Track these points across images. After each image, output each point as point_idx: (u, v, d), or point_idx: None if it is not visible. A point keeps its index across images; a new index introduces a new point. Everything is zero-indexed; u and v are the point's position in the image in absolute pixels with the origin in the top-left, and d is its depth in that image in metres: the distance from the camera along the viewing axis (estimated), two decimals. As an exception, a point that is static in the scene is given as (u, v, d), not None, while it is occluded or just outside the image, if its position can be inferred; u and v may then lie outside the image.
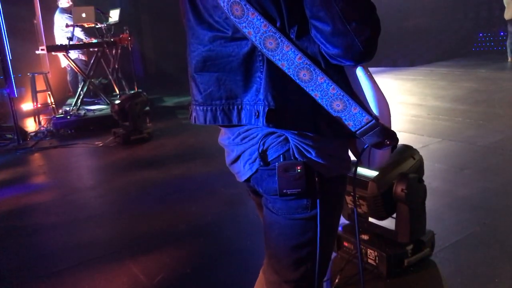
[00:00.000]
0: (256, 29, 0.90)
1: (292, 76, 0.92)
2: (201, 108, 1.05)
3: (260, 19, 0.90)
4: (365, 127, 0.93)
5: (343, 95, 0.91)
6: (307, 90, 0.92)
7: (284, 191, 0.98)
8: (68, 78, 7.12)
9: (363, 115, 0.92)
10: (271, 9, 0.90)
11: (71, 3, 6.64)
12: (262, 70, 0.95)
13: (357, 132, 0.94)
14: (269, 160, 1.00)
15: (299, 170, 0.97)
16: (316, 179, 0.99)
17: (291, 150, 0.98)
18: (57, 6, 6.66)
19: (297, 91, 0.94)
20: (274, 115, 0.94)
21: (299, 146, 0.98)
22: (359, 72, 0.95)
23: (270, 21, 0.90)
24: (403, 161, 2.09)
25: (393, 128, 0.99)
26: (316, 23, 0.89)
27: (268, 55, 0.92)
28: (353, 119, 0.93)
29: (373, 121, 0.93)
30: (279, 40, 0.90)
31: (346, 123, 0.94)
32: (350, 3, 0.86)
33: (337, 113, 0.93)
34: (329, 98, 0.92)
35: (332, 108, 0.93)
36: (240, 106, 0.99)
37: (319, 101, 0.93)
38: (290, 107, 0.96)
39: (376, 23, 0.90)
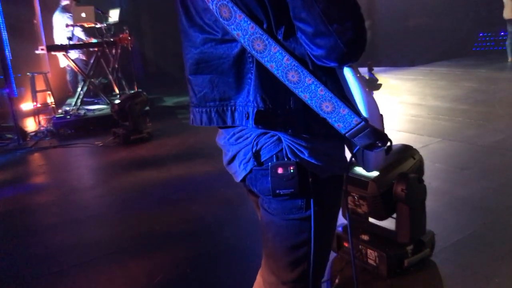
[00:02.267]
0: (244, 31, 0.90)
1: (280, 77, 0.92)
2: (197, 109, 1.06)
3: (247, 21, 0.90)
4: (354, 128, 0.93)
5: (332, 96, 0.91)
6: (296, 91, 0.92)
7: (277, 191, 0.98)
8: (68, 78, 7.10)
9: (352, 116, 0.92)
10: (257, 11, 0.90)
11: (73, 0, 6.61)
12: (252, 71, 0.95)
13: (347, 134, 0.94)
14: (262, 160, 1.00)
15: (291, 171, 0.97)
16: (310, 179, 0.99)
17: (284, 150, 0.98)
18: (57, 6, 6.63)
19: (287, 93, 0.94)
20: (263, 117, 0.94)
21: (291, 146, 0.98)
22: (348, 73, 0.95)
23: (257, 23, 0.90)
24: (403, 161, 2.09)
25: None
26: (299, 24, 0.89)
27: (257, 57, 0.92)
28: (343, 121, 0.93)
29: (363, 122, 0.92)
30: (266, 41, 0.90)
31: (335, 124, 0.93)
32: (331, 3, 0.85)
33: (326, 115, 0.93)
34: (318, 100, 0.92)
35: (321, 109, 0.93)
36: (233, 108, 1.00)
37: (308, 102, 0.93)
38: (280, 108, 0.96)
39: (360, 23, 0.89)
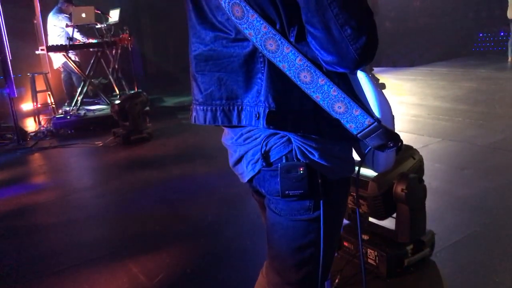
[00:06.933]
0: (257, 31, 0.90)
1: (292, 77, 0.91)
2: (201, 108, 1.05)
3: (260, 21, 0.89)
4: (367, 129, 0.92)
5: (345, 97, 0.91)
6: (308, 92, 0.92)
7: (286, 192, 0.98)
8: (63, 78, 7.05)
9: (365, 117, 0.91)
10: (270, 11, 0.90)
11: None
12: (263, 71, 0.94)
13: (359, 135, 0.93)
14: (271, 160, 1.00)
15: (301, 172, 0.96)
16: (319, 180, 0.98)
17: (294, 151, 0.98)
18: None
19: (299, 93, 0.93)
20: (275, 117, 0.94)
21: (302, 148, 0.97)
22: (360, 74, 0.95)
23: (269, 23, 0.90)
24: (403, 161, 2.09)
25: (395, 129, 0.99)
26: (311, 29, 0.88)
27: (269, 57, 0.91)
28: (355, 121, 0.92)
29: (375, 123, 0.92)
30: (279, 41, 0.90)
31: (347, 125, 0.93)
32: (345, 8, 0.84)
33: (338, 115, 0.92)
34: (330, 100, 0.91)
35: (333, 110, 0.92)
36: (240, 107, 0.99)
37: (320, 103, 0.92)
38: (291, 109, 0.95)
39: (372, 30, 0.88)
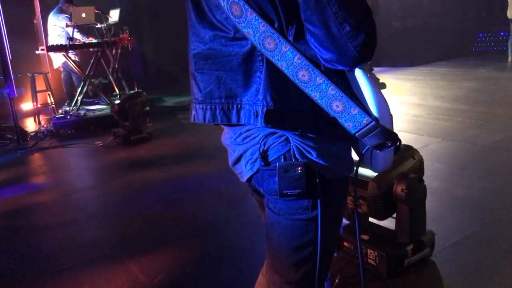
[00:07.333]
0: (255, 29, 0.90)
1: (291, 76, 0.92)
2: (201, 106, 1.05)
3: (258, 20, 0.89)
4: (365, 128, 0.92)
5: (343, 96, 0.91)
6: (306, 90, 0.92)
7: (284, 191, 0.98)
8: (63, 78, 7.05)
9: (363, 116, 0.91)
10: (268, 10, 0.90)
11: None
12: (261, 70, 0.95)
13: (357, 134, 0.93)
14: (269, 160, 1.00)
15: (299, 171, 0.96)
16: (317, 180, 0.98)
17: (292, 150, 0.98)
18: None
19: (297, 92, 0.93)
20: (273, 116, 0.94)
21: (299, 147, 0.97)
22: (359, 73, 0.95)
23: (268, 22, 0.90)
24: (403, 161, 2.09)
25: (393, 128, 0.99)
26: (310, 26, 0.88)
27: (267, 55, 0.92)
28: (353, 120, 0.92)
29: (373, 122, 0.92)
30: (277, 40, 0.90)
31: (345, 124, 0.93)
32: (344, 6, 0.85)
33: (336, 114, 0.92)
34: (328, 99, 0.91)
35: (331, 108, 0.92)
36: (239, 106, 0.99)
37: (318, 101, 0.92)
38: (290, 108, 0.95)
39: (371, 27, 0.88)
